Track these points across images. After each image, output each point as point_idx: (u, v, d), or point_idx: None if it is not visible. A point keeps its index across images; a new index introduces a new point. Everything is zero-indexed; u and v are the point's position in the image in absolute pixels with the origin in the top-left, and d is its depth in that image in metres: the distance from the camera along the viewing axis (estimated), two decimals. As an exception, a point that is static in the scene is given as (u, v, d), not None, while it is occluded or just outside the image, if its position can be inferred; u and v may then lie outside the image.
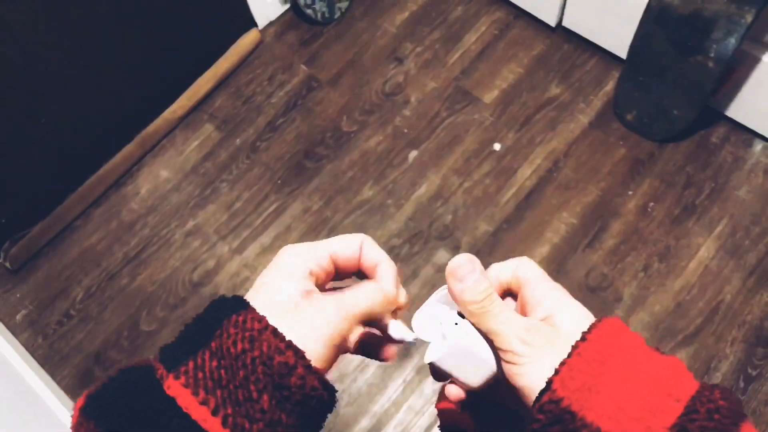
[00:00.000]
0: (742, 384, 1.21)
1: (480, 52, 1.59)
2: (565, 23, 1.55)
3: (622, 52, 1.47)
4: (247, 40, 1.61)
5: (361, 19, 1.67)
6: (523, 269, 0.41)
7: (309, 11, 1.61)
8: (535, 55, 1.57)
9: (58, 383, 1.33)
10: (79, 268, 1.44)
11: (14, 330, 1.39)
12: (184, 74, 1.56)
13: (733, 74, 1.29)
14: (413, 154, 1.49)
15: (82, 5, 1.25)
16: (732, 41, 1.16)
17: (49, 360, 1.35)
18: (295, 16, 1.69)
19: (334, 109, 1.56)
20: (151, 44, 1.44)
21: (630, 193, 1.39)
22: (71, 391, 1.32)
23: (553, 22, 1.56)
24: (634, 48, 1.32)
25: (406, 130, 1.51)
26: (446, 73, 1.57)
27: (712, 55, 1.20)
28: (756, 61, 1.26)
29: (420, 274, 1.36)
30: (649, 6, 1.22)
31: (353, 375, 1.28)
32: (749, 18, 1.11)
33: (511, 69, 1.56)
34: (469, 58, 1.59)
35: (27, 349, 1.36)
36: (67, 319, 1.39)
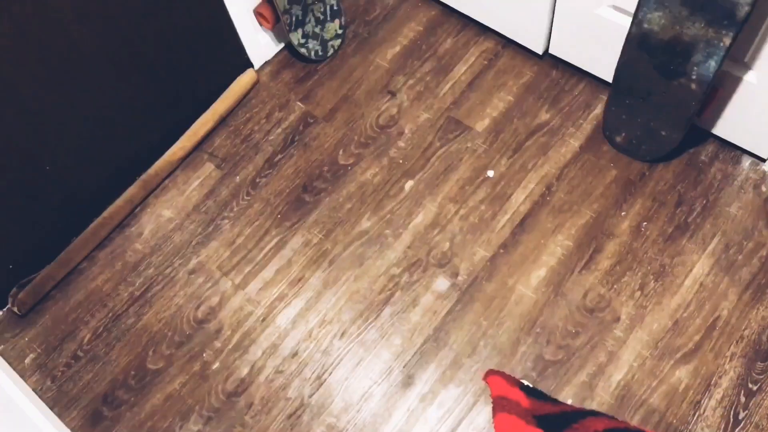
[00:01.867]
0: (743, 399, 1.22)
1: (470, 82, 1.63)
2: (552, 50, 1.59)
3: (609, 76, 1.51)
4: (243, 81, 1.66)
5: (353, 55, 1.72)
6: None
7: (303, 50, 1.66)
8: (524, 83, 1.61)
9: (67, 425, 1.34)
10: (86, 309, 1.47)
11: (23, 374, 1.41)
12: (183, 116, 1.60)
13: (716, 94, 1.32)
14: (409, 184, 1.52)
15: (81, 55, 1.30)
16: (712, 63, 1.19)
17: (58, 402, 1.37)
18: (289, 55, 1.74)
19: (330, 143, 1.60)
20: (150, 89, 1.49)
21: (623, 213, 1.41)
22: (81, 433, 1.34)
23: (540, 50, 1.60)
24: (618, 73, 1.36)
25: (401, 161, 1.55)
26: (438, 104, 1.61)
27: (694, 77, 1.23)
28: (738, 80, 1.30)
29: (420, 302, 1.38)
30: (630, 32, 1.26)
31: (358, 405, 1.30)
32: (727, 41, 1.14)
33: (501, 97, 1.60)
34: (459, 88, 1.62)
35: (36, 392, 1.38)
36: (75, 361, 1.41)
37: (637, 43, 1.27)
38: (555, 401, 0.51)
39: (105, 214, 1.52)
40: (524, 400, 0.39)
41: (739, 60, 1.27)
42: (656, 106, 1.35)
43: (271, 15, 1.59)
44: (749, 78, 1.28)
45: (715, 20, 1.13)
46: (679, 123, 1.34)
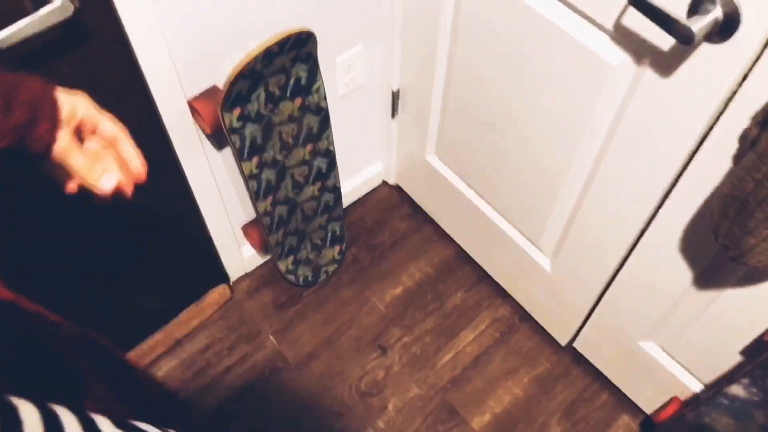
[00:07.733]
0: None
1: (476, 358, 1.38)
2: (577, 345, 1.35)
3: (637, 398, 1.27)
4: (212, 298, 1.40)
5: (347, 286, 1.47)
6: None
7: (290, 277, 1.41)
8: (537, 375, 1.36)
9: None
10: None
11: None
12: (133, 332, 1.33)
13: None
14: (380, 485, 1.25)
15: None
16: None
17: None
18: (274, 270, 1.48)
19: (296, 402, 1.33)
20: (101, 296, 1.21)
21: None
22: None
23: (563, 341, 1.36)
24: None
25: (376, 449, 1.28)
26: (434, 378, 1.35)
27: (752, 488, 0.99)
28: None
29: None
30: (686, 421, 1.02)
31: None
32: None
33: (508, 388, 1.34)
34: (462, 362, 1.37)
35: None
36: None
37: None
38: None
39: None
40: None
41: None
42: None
43: (258, 239, 1.34)
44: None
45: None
46: None
